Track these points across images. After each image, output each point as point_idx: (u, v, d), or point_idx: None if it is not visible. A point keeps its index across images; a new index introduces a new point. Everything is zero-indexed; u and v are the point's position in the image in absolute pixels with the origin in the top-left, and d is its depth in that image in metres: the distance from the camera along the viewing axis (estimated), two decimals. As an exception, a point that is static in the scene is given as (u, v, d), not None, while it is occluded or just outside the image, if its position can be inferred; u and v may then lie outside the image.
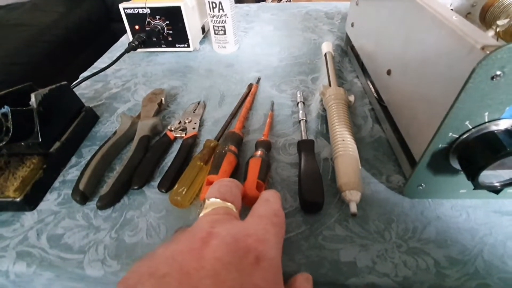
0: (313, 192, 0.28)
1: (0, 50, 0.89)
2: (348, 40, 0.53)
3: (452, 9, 0.41)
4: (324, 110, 0.40)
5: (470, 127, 0.22)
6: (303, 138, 0.35)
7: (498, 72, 0.19)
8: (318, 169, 0.31)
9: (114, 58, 0.50)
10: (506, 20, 0.33)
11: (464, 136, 0.23)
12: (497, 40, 0.37)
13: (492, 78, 0.19)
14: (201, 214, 0.21)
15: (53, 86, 0.36)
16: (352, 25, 0.48)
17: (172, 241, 0.19)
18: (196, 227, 0.20)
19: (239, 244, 0.17)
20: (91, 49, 1.18)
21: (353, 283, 0.24)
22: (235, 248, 0.17)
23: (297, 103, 0.41)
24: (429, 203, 0.29)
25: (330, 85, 0.42)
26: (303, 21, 0.68)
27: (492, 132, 0.21)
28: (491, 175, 0.23)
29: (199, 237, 0.18)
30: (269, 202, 0.23)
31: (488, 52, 0.18)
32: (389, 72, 0.34)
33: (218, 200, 0.22)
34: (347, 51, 0.54)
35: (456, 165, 0.25)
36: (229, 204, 0.22)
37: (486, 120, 0.22)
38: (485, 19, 0.38)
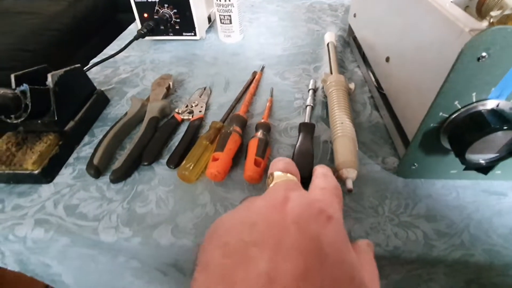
0: (303, 168, 0.30)
1: (10, 37, 0.91)
2: (350, 31, 0.54)
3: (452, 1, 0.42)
4: (325, 96, 0.42)
5: (459, 107, 0.24)
6: (306, 121, 0.37)
7: (484, 54, 0.20)
8: (312, 150, 0.33)
9: (123, 45, 0.52)
10: (499, 12, 0.34)
11: (454, 115, 0.24)
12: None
13: (478, 59, 0.21)
14: (271, 185, 0.23)
15: (68, 68, 0.38)
16: (355, 16, 0.50)
17: (249, 203, 0.21)
18: (272, 192, 0.22)
19: (313, 206, 0.20)
20: (97, 39, 1.20)
21: (347, 251, 0.26)
22: (310, 208, 0.19)
23: (309, 90, 0.43)
24: (422, 183, 0.31)
25: (331, 73, 0.44)
26: (307, 13, 0.69)
27: (479, 112, 0.23)
28: (476, 156, 0.25)
29: (278, 198, 0.20)
30: (328, 177, 0.25)
31: (473, 35, 0.20)
32: (388, 59, 0.35)
33: (285, 173, 0.24)
34: (349, 42, 0.55)
35: (447, 145, 0.26)
36: (293, 177, 0.24)
37: (474, 100, 0.23)
38: (481, 11, 0.39)
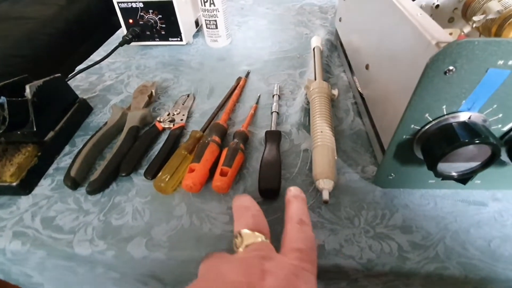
0: (270, 180, 0.30)
1: (2, 43, 0.92)
2: (337, 35, 0.54)
3: (438, 4, 0.41)
4: (308, 103, 0.41)
5: (430, 119, 0.23)
6: (272, 129, 0.37)
7: (451, 67, 0.20)
8: (279, 158, 0.32)
9: (109, 51, 0.51)
10: (482, 16, 0.34)
11: (426, 127, 0.24)
12: (479, 36, 0.38)
13: (445, 73, 0.20)
14: (242, 248, 0.22)
15: (47, 78, 0.37)
16: (340, 20, 0.49)
17: (218, 272, 0.20)
18: (247, 261, 0.21)
19: (290, 282, 0.19)
20: (92, 41, 1.20)
21: (320, 264, 0.26)
22: (287, 285, 0.19)
23: (273, 96, 0.43)
24: (400, 192, 0.31)
25: (315, 79, 0.44)
26: (297, 15, 0.68)
27: (450, 124, 0.23)
28: (450, 166, 0.25)
29: (254, 272, 0.19)
30: (305, 228, 0.24)
31: (440, 47, 0.19)
32: (367, 67, 0.35)
33: (257, 233, 0.23)
34: (337, 46, 0.55)
35: (421, 156, 0.26)
36: (264, 237, 0.23)
37: (445, 113, 0.23)
38: (467, 14, 0.39)
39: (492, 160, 0.23)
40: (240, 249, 0.22)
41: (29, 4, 1.13)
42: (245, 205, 0.25)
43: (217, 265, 0.22)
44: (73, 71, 0.50)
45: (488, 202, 0.30)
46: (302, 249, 0.22)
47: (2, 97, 0.33)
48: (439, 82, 0.21)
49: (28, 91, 0.35)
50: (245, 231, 0.23)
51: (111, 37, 0.64)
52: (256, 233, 0.23)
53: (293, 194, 0.27)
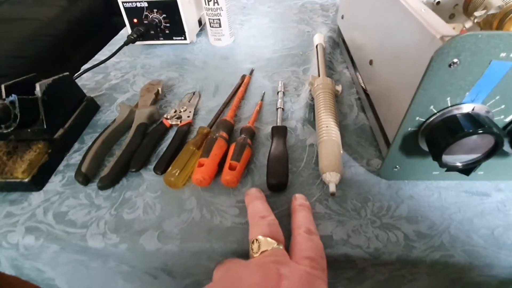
0: (278, 174, 0.31)
1: (5, 44, 0.92)
2: (340, 32, 0.54)
3: (439, 1, 0.42)
4: (313, 99, 0.42)
5: (435, 111, 0.24)
6: (278, 124, 0.38)
7: (455, 60, 0.21)
8: (286, 153, 0.33)
9: (114, 50, 0.52)
10: (483, 11, 0.34)
11: (430, 119, 0.25)
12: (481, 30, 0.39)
13: (450, 65, 0.21)
14: (258, 253, 0.23)
15: (56, 76, 0.38)
16: (342, 17, 0.50)
17: (236, 277, 0.22)
18: (263, 266, 0.22)
19: (304, 287, 0.21)
20: (93, 43, 1.20)
21: (328, 254, 0.27)
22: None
23: (277, 92, 0.44)
24: (405, 184, 0.31)
25: (319, 75, 0.44)
26: (298, 14, 0.69)
27: (454, 116, 0.23)
28: (454, 158, 0.25)
29: (270, 276, 0.21)
30: (313, 237, 0.25)
31: (445, 41, 0.20)
32: (371, 62, 0.35)
33: (272, 240, 0.24)
34: (339, 43, 0.56)
35: (425, 147, 0.27)
36: (280, 245, 0.24)
37: (449, 105, 0.24)
38: (468, 10, 0.39)
39: (495, 150, 0.24)
40: (257, 255, 0.23)
41: (31, 5, 1.14)
42: (261, 215, 0.27)
43: (234, 269, 0.23)
44: (76, 71, 0.51)
45: (491, 193, 0.30)
46: (313, 257, 0.23)
47: (13, 95, 0.34)
48: (444, 74, 0.21)
49: (38, 89, 0.35)
50: (262, 237, 0.24)
51: (115, 37, 0.65)
52: (272, 240, 0.24)
53: (299, 203, 0.28)
